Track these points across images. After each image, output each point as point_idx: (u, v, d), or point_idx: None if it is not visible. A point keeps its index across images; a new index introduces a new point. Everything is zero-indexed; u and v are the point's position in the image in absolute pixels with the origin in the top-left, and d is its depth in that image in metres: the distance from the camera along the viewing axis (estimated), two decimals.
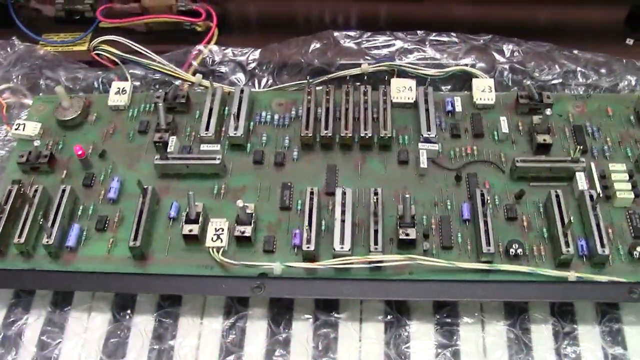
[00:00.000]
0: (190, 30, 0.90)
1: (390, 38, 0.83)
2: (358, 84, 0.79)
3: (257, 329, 0.67)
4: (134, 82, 0.84)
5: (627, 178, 0.72)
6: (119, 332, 0.67)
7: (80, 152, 0.75)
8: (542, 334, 0.65)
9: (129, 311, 0.68)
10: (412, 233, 0.68)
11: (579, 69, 0.81)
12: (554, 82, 0.81)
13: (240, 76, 0.85)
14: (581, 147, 0.73)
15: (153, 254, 0.70)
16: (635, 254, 0.67)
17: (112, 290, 0.68)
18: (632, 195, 0.71)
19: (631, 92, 0.82)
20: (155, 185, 0.73)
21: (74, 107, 0.80)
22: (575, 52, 0.83)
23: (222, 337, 0.66)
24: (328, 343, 0.65)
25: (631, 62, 0.83)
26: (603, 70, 0.82)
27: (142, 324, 0.67)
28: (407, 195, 0.67)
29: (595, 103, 0.79)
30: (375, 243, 0.67)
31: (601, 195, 0.71)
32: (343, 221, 0.68)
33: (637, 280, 0.66)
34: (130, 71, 0.85)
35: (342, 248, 0.67)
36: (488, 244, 0.67)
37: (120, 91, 0.81)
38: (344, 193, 0.70)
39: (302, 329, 0.66)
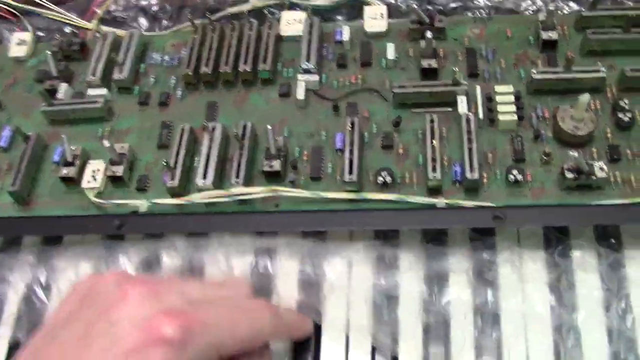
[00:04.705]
0: None
1: None
2: (250, 19, 0.78)
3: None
4: (39, 32, 0.84)
5: (513, 100, 0.68)
6: None
7: None
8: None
9: None
10: (277, 165, 0.66)
11: None
12: (452, 5, 0.76)
13: (144, 21, 0.84)
14: (458, 70, 0.68)
15: (37, 198, 0.71)
16: (511, 178, 0.64)
17: None
18: (515, 117, 0.67)
19: (536, 13, 0.76)
20: (46, 132, 0.74)
21: None
22: None
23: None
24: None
25: None
26: None
27: None
28: (269, 127, 0.65)
29: (495, 26, 0.75)
30: (237, 176, 0.66)
31: (482, 118, 0.67)
32: (208, 156, 0.67)
33: (507, 204, 0.62)
34: (35, 22, 0.85)
35: (204, 183, 0.66)
36: (350, 172, 0.64)
37: (22, 42, 0.82)
38: (213, 129, 0.69)
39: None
